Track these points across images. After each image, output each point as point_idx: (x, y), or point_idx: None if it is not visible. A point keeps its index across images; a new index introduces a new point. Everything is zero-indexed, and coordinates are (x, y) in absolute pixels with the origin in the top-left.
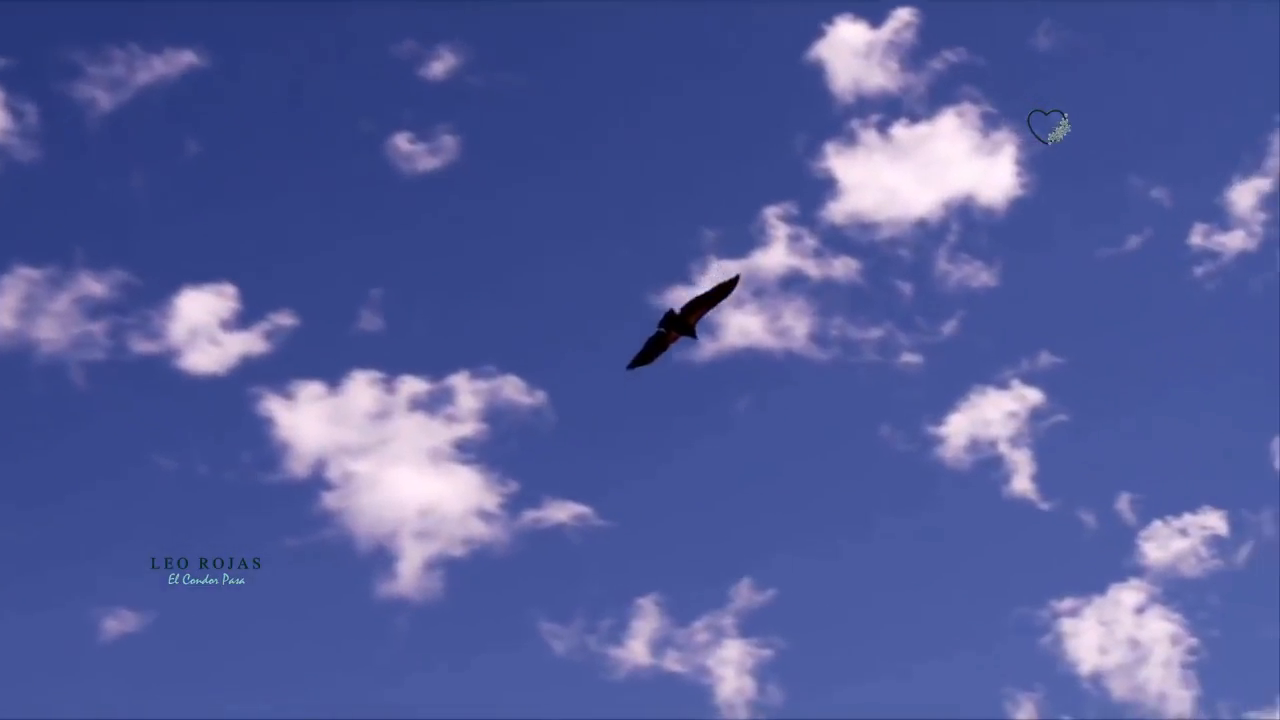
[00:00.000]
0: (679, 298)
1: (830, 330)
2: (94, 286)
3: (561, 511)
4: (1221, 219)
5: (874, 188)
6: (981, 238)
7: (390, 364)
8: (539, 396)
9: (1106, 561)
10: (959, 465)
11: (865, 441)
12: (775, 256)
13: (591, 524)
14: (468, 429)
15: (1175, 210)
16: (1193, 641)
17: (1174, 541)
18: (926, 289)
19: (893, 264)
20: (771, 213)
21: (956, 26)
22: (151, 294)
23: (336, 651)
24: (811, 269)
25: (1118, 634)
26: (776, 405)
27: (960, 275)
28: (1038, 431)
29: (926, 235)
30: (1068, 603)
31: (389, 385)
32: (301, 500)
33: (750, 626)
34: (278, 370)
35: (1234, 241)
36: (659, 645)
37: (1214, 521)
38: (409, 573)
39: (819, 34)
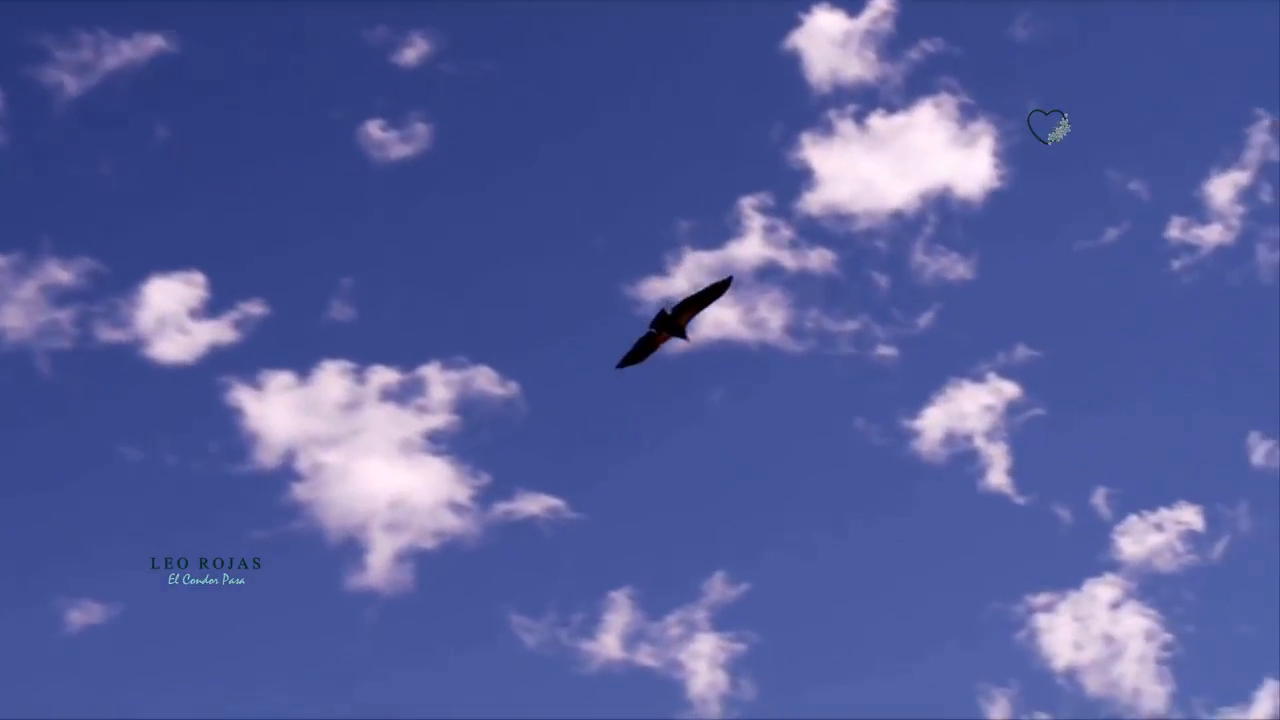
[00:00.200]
0: (653, 288)
1: (806, 322)
2: (60, 274)
3: (533, 504)
4: (1199, 212)
5: (850, 179)
6: (958, 230)
7: (361, 354)
8: (511, 388)
9: (1082, 556)
10: (934, 459)
11: (840, 435)
12: (750, 248)
13: (563, 516)
14: (439, 420)
15: (1153, 203)
16: (1168, 637)
17: (1149, 537)
18: (903, 281)
19: (869, 256)
20: (747, 203)
21: (934, 17)
22: (119, 282)
23: (305, 644)
24: (787, 260)
25: (1092, 629)
26: (751, 398)
27: (937, 267)
28: (1014, 425)
29: (903, 227)
30: (1043, 598)
31: (359, 375)
32: (270, 491)
33: (723, 621)
34: (247, 360)
35: (1212, 235)
36: (631, 639)
37: (1190, 517)
38: (379, 565)
39: (795, 23)
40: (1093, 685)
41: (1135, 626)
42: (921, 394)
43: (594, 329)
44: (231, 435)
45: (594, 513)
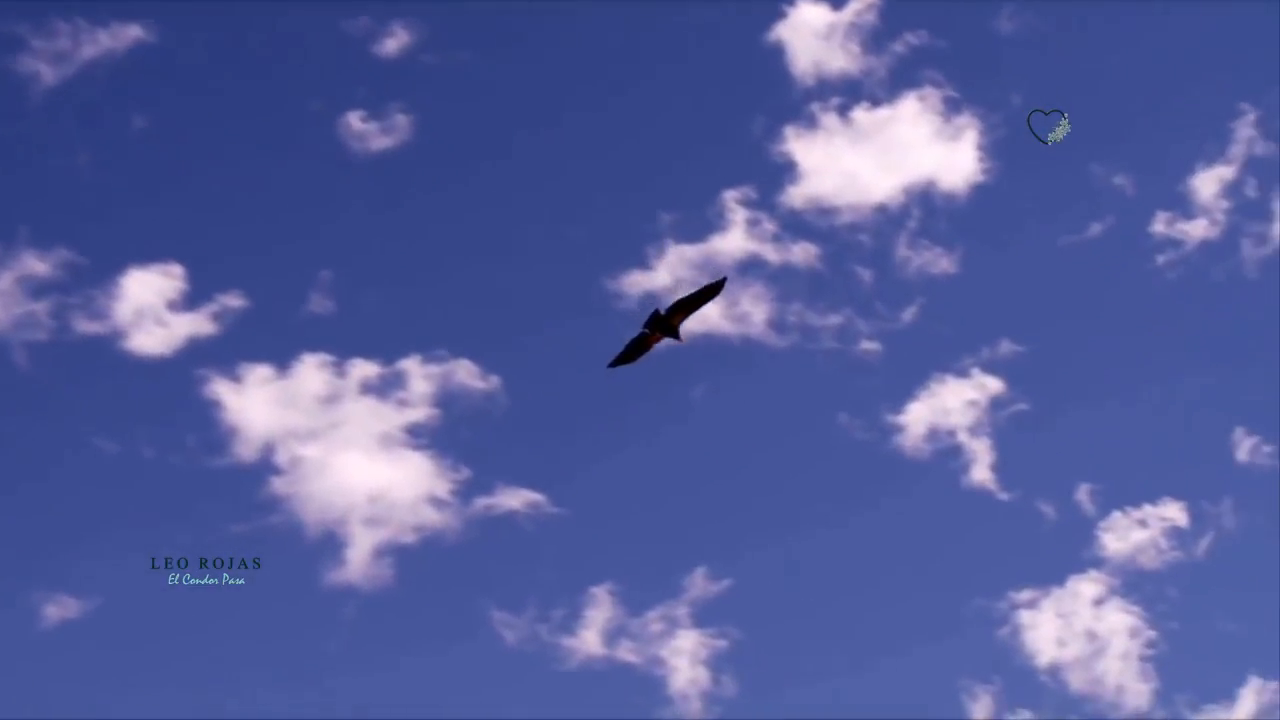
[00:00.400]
0: (635, 281)
1: (789, 316)
2: (37, 265)
3: (514, 499)
4: (1184, 207)
5: (834, 172)
6: (942, 224)
7: (340, 347)
8: (492, 381)
9: (1065, 553)
10: (918, 454)
11: (823, 430)
12: (733, 241)
13: (544, 511)
14: (419, 414)
15: (1138, 198)
16: (1151, 634)
17: (1133, 533)
18: (886, 275)
19: (852, 250)
20: (730, 196)
21: (918, 9)
22: (96, 273)
23: (283, 640)
24: (770, 254)
25: (1076, 626)
26: (734, 392)
27: (920, 262)
28: (997, 421)
29: (887, 221)
30: (1026, 594)
31: (339, 369)
32: (249, 485)
33: (705, 617)
34: (225, 352)
35: (1196, 230)
36: (612, 635)
37: (1174, 513)
38: (358, 560)
39: (779, 15)
40: (1076, 682)
41: (1119, 623)
42: (905, 389)
43: (575, 322)
44: (210, 428)
45: (575, 508)
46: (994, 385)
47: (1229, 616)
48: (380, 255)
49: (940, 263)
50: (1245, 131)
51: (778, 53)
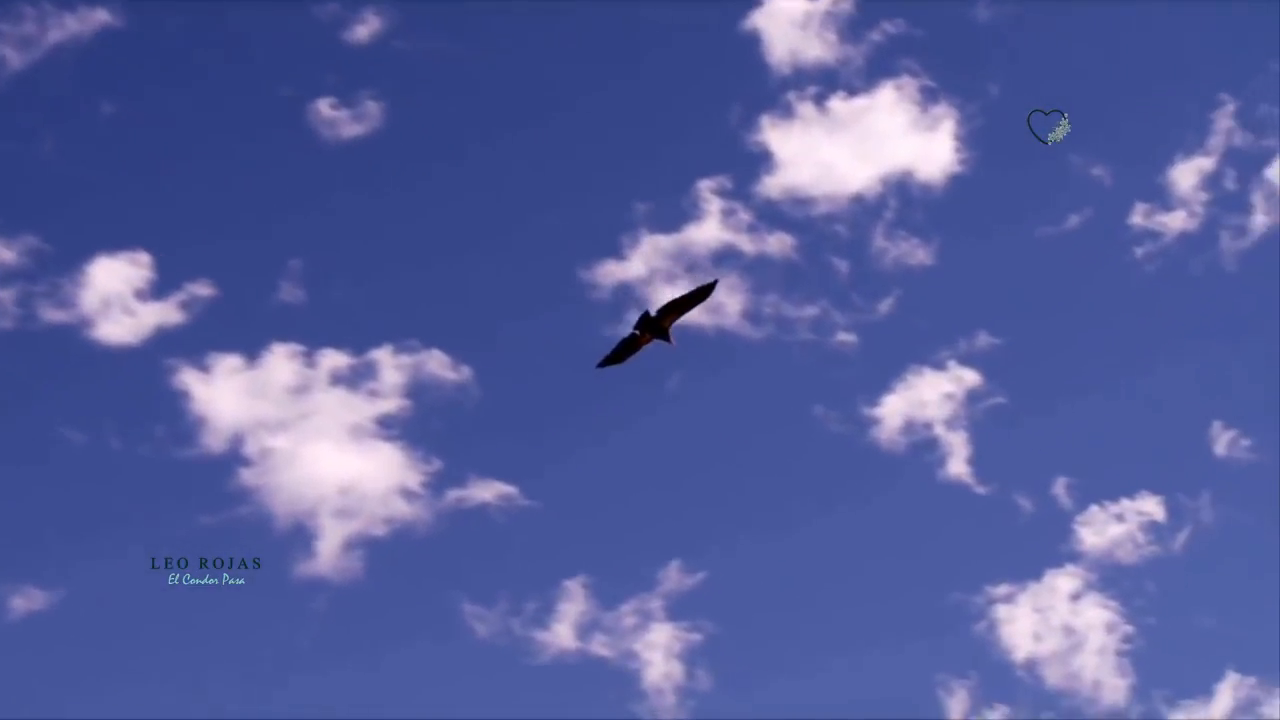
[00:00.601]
0: (609, 271)
1: (764, 308)
2: (3, 253)
3: (486, 491)
4: (1163, 199)
5: (810, 162)
6: (919, 215)
7: (311, 337)
8: (464, 372)
9: (1042, 547)
10: (894, 447)
11: (798, 422)
12: (708, 231)
13: (517, 504)
14: (390, 405)
15: (1116, 189)
16: (1128, 629)
17: (1111, 527)
18: (863, 267)
19: (828, 241)
20: (705, 186)
21: None
22: (63, 261)
23: (251, 633)
24: (745, 244)
25: (1053, 621)
26: (708, 384)
27: (897, 253)
28: (974, 414)
29: (863, 211)
30: (1003, 589)
31: (309, 359)
32: (217, 476)
33: (679, 610)
34: (194, 342)
35: (1175, 222)
36: (585, 628)
37: (1151, 507)
38: (328, 552)
39: (755, 4)
40: (1052, 677)
41: (1096, 618)
42: (881, 381)
43: (549, 312)
44: (178, 419)
45: (548, 500)
46: (971, 378)
47: (1207, 611)
48: (351, 244)
49: (917, 254)
50: (1224, 123)
51: (754, 41)
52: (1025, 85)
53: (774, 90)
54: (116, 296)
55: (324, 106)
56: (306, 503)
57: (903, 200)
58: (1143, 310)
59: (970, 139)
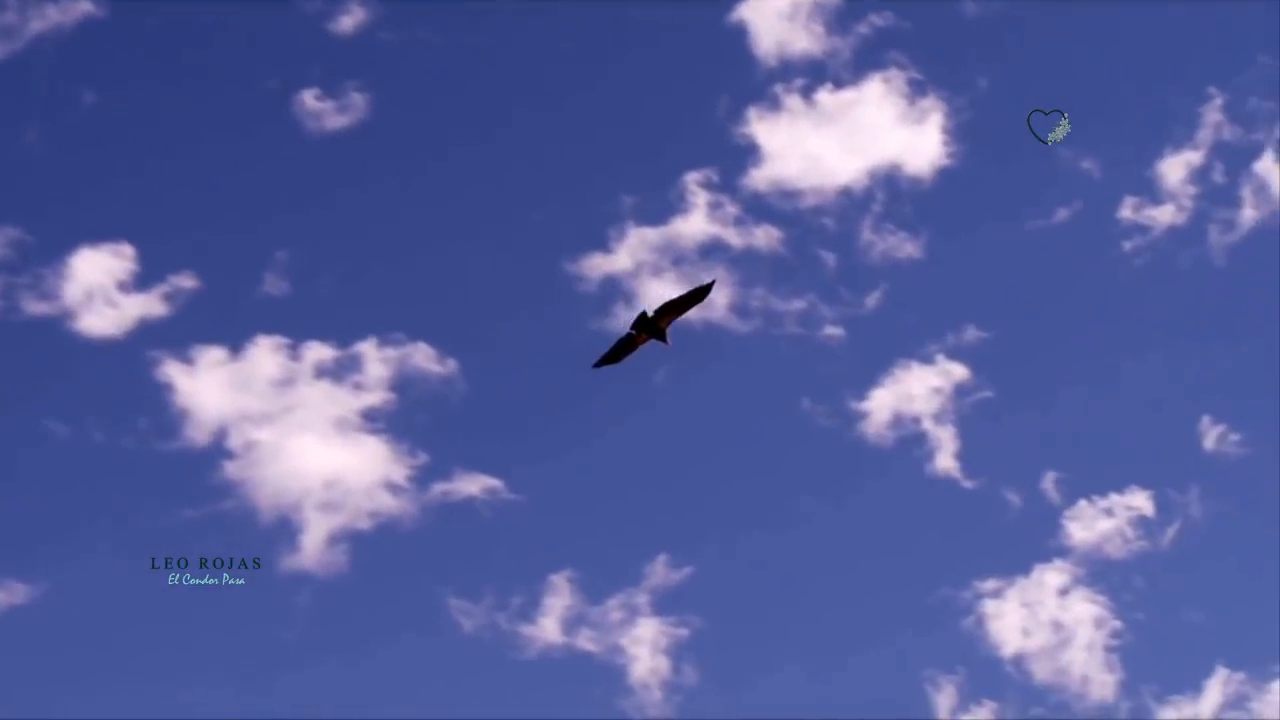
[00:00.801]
0: (595, 264)
1: (751, 301)
2: None
3: (472, 484)
4: (1151, 192)
5: (797, 155)
6: (907, 208)
7: (295, 329)
8: (450, 365)
9: (1030, 542)
10: (881, 441)
11: (786, 416)
12: (695, 224)
13: (503, 497)
14: (375, 398)
15: (1105, 183)
16: (1117, 624)
17: (1099, 522)
18: (850, 260)
19: (816, 234)
20: (692, 179)
21: None
22: (45, 253)
23: (235, 627)
24: (732, 238)
25: (1041, 616)
26: (695, 377)
27: (885, 246)
28: (962, 408)
29: (851, 205)
30: (990, 584)
31: (294, 351)
32: (201, 470)
33: (665, 605)
34: (177, 334)
35: (1164, 215)
36: (571, 623)
37: (1140, 502)
38: (312, 546)
39: None
40: (1040, 673)
41: (1084, 613)
42: (869, 375)
43: (535, 305)
44: (161, 412)
45: (534, 494)
46: (959, 372)
47: (1195, 607)
48: (336, 236)
49: (905, 247)
50: (1213, 116)
51: (741, 33)
52: (1014, 79)
53: (761, 82)
54: (99, 288)
55: (309, 98)
56: (291, 496)
57: (891, 193)
58: (1131, 304)
59: (958, 132)
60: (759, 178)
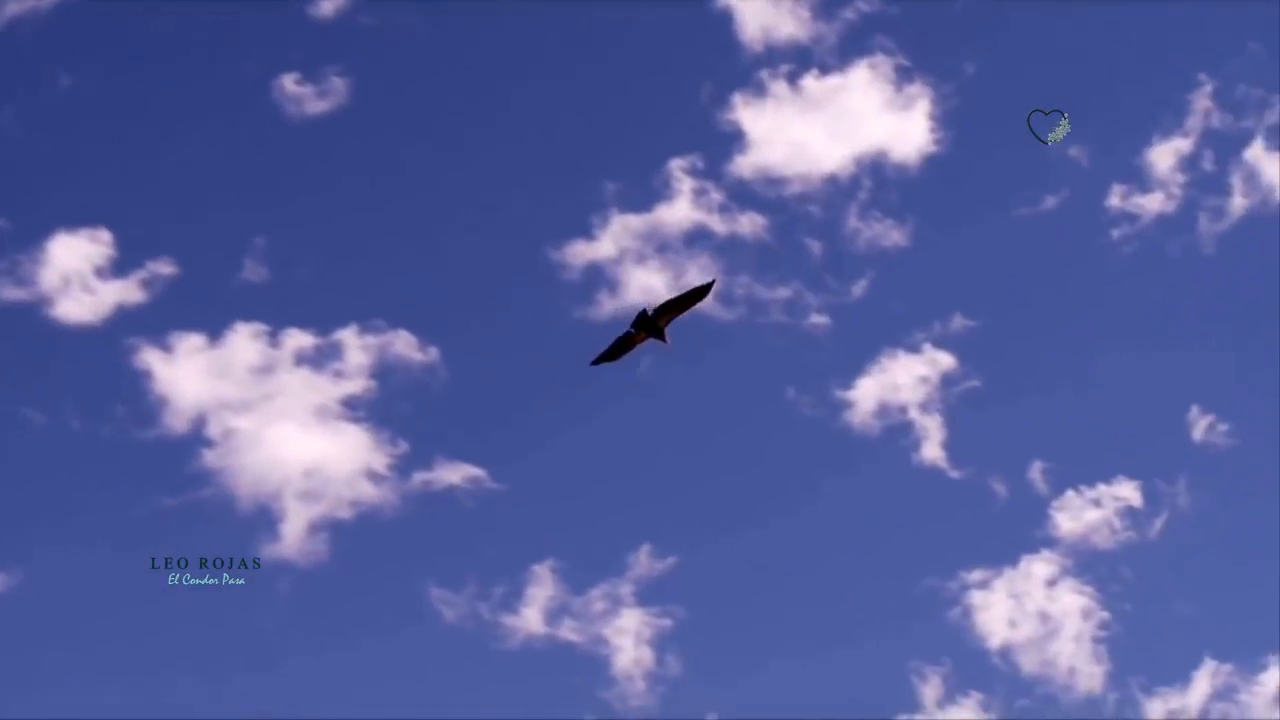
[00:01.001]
0: (578, 251)
1: (736, 289)
2: None
3: (454, 473)
4: (1140, 180)
5: (783, 141)
6: (893, 195)
7: (275, 316)
8: (431, 353)
9: (1018, 532)
10: (867, 431)
11: (771, 405)
12: (680, 211)
13: (485, 487)
14: (356, 386)
15: (1093, 170)
16: (1104, 615)
17: (1087, 512)
18: (836, 248)
19: (801, 221)
20: (676, 165)
21: None
22: (21, 238)
23: (214, 615)
24: (717, 225)
25: (1028, 607)
26: (679, 366)
27: (871, 234)
28: (949, 397)
29: (837, 192)
30: (977, 574)
31: (273, 338)
32: (180, 458)
33: (649, 595)
34: (156, 321)
35: (1153, 204)
36: (554, 613)
37: (1128, 492)
38: (292, 535)
39: None
40: (1027, 664)
41: (1072, 604)
42: (855, 364)
43: (517, 293)
44: (139, 399)
45: (516, 483)
46: (945, 361)
47: (1183, 598)
48: (316, 222)
49: (891, 235)
50: (1202, 103)
51: (726, 19)
52: (1001, 66)
53: (746, 68)
54: (76, 274)
55: (289, 82)
56: (270, 485)
57: (877, 181)
58: (1120, 293)
59: (945, 119)
60: (744, 164)
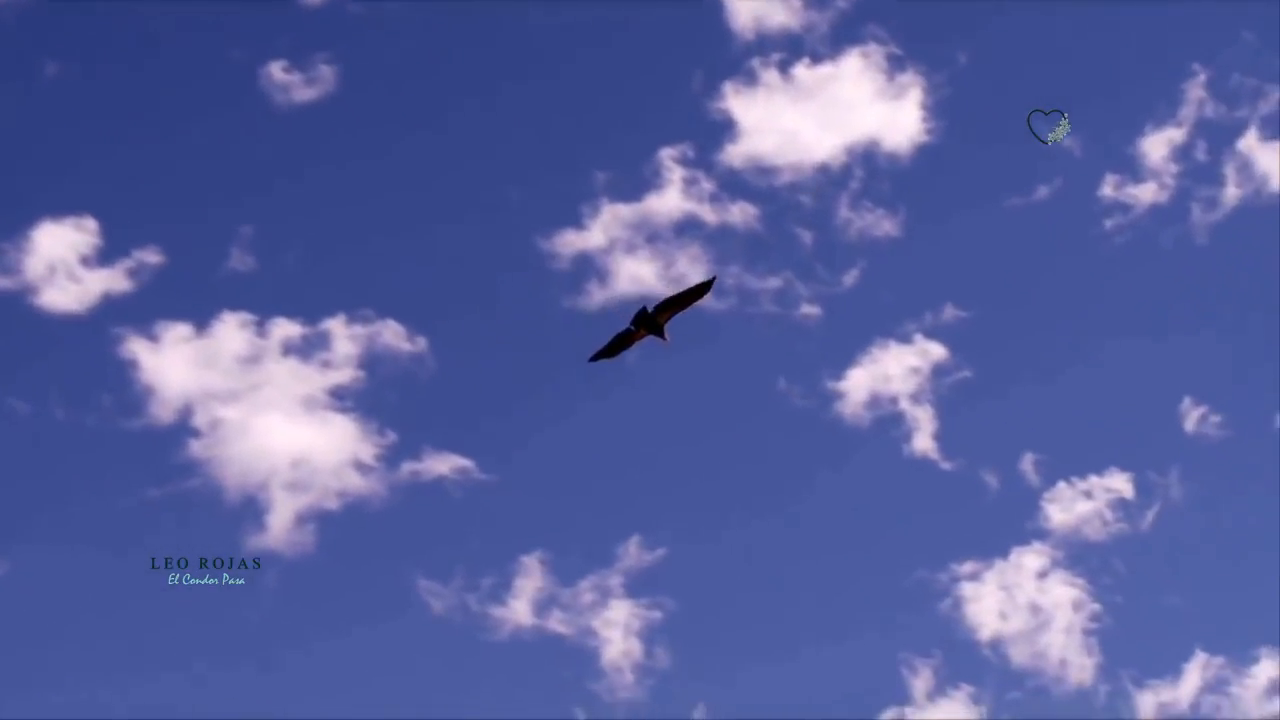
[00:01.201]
0: (568, 241)
1: (726, 279)
2: None
3: (442, 464)
4: (1133, 170)
5: (774, 130)
6: (885, 185)
7: (262, 305)
8: (419, 343)
9: (1009, 524)
10: (858, 422)
11: (761, 395)
12: (670, 200)
13: (473, 477)
14: (344, 375)
15: (1086, 160)
16: (1095, 608)
17: (1078, 504)
18: (827, 238)
19: (792, 211)
20: (667, 154)
21: None
22: (6, 226)
23: (201, 607)
24: (708, 214)
25: (1019, 599)
26: (669, 357)
27: (862, 224)
28: (940, 388)
29: (828, 181)
30: (968, 566)
31: (260, 328)
32: (166, 448)
33: (638, 587)
34: (142, 310)
35: (1145, 194)
36: (543, 605)
37: (1120, 484)
38: (279, 526)
39: None
40: (1018, 656)
41: (1063, 596)
42: (846, 354)
43: (506, 282)
44: (125, 389)
45: (505, 474)
46: (937, 351)
47: (1175, 590)
48: (303, 211)
49: (883, 225)
50: (1196, 93)
51: (717, 7)
52: (993, 54)
53: (737, 57)
54: (62, 263)
55: (276, 70)
56: (257, 475)
57: (868, 170)
58: (1113, 283)
59: (937, 108)
60: (735, 154)
